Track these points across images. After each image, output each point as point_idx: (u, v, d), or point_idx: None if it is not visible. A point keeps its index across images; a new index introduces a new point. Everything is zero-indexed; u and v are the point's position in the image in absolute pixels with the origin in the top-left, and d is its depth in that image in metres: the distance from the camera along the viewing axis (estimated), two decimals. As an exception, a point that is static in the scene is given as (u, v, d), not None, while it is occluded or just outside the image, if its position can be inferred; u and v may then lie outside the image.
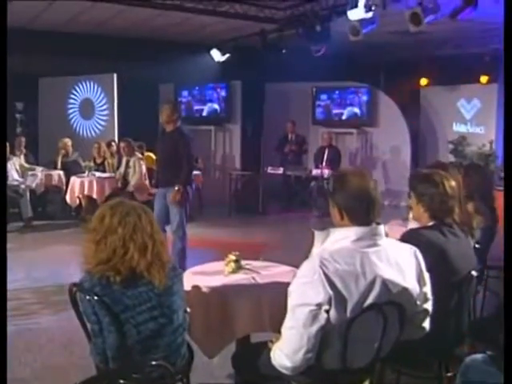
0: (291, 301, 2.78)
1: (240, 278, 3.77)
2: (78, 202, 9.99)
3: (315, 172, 11.60)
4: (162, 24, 11.53)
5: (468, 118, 13.55)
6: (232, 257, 3.86)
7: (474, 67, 12.75)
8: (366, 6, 8.35)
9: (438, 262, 3.21)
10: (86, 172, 10.05)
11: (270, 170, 11.86)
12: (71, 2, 9.71)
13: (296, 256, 5.99)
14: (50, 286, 6.69)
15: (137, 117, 12.11)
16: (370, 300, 2.73)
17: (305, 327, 2.70)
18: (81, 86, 12.36)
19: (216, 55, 11.95)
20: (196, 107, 13.29)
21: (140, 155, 10.14)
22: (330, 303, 2.67)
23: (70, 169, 10.97)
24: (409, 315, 2.90)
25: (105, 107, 12.01)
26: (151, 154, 10.52)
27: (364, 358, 2.92)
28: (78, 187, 9.81)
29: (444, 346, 3.39)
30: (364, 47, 12.69)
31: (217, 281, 3.69)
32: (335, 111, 13.47)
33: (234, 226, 10.53)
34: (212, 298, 3.52)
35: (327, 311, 2.68)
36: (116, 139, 11.56)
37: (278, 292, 3.60)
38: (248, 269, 3.90)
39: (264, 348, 3.17)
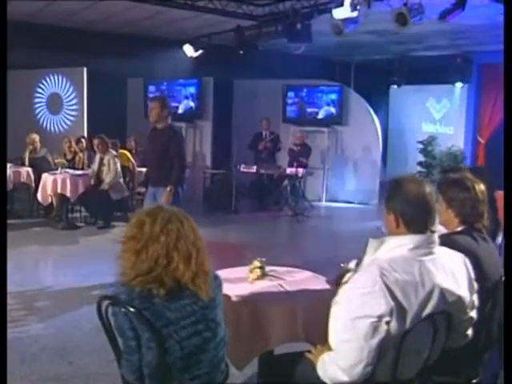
0: (349, 313, 2.65)
1: (267, 285, 3.62)
2: (50, 200, 9.61)
3: (289, 171, 11.50)
4: (133, 17, 11.27)
5: (437, 117, 13.65)
6: (257, 263, 3.70)
7: (445, 68, 12.85)
8: (351, 5, 8.28)
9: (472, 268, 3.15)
10: (59, 169, 9.68)
11: (242, 168, 11.72)
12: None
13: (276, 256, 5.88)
14: (30, 291, 6.37)
15: (105, 112, 11.86)
16: (427, 310, 2.66)
17: (365, 340, 2.58)
18: (48, 80, 11.99)
19: (189, 51, 11.75)
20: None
21: (114, 152, 9.84)
22: (391, 315, 2.58)
23: (38, 165, 10.59)
24: (455, 323, 2.83)
25: (74, 102, 11.66)
26: (126, 152, 10.26)
27: (413, 368, 2.83)
28: (50, 185, 9.43)
29: (476, 353, 3.32)
30: (335, 46, 12.70)
31: (244, 289, 3.52)
32: (306, 109, 13.40)
33: (207, 226, 10.33)
34: (242, 307, 3.36)
35: (387, 323, 2.58)
36: (85, 134, 11.22)
37: (311, 300, 3.49)
38: (272, 275, 3.75)
39: (297, 359, 3.04)
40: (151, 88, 13.07)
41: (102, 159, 9.62)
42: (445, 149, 12.97)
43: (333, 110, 13.19)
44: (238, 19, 10.56)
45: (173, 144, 6.47)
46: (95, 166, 9.60)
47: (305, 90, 13.36)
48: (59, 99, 11.83)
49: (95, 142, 9.65)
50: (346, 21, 8.80)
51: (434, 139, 13.33)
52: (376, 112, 13.32)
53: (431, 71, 12.99)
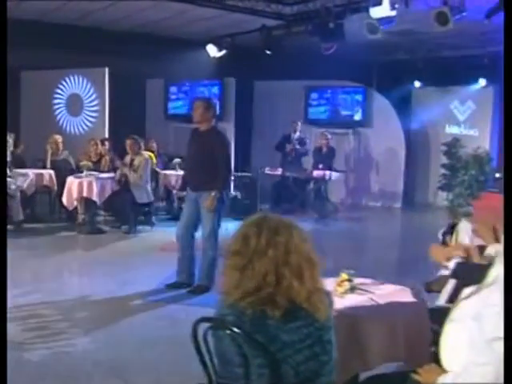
0: (483, 333, 2.37)
1: (360, 299, 3.37)
2: (75, 204, 9.33)
3: (316, 173, 11.26)
4: (155, 17, 11.04)
5: (461, 119, 13.40)
6: (345, 275, 3.44)
7: (471, 69, 12.59)
8: (391, 4, 8.04)
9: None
10: (84, 172, 9.40)
11: (267, 170, 11.47)
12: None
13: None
14: (68, 301, 6.08)
15: (124, 113, 11.63)
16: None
17: (501, 363, 2.32)
18: (68, 81, 11.70)
19: (212, 51, 11.51)
20: (183, 104, 12.76)
21: (146, 155, 9.57)
22: None
23: (61, 168, 10.33)
24: None
25: (95, 103, 11.37)
26: (151, 154, 10.00)
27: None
28: (76, 188, 9.14)
29: None
30: (357, 46, 12.44)
31: (336, 303, 3.25)
32: (329, 111, 13.16)
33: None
34: (338, 323, 3.09)
35: None
36: (107, 136, 10.95)
37: (409, 314, 3.25)
38: (361, 288, 3.49)
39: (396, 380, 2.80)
40: (173, 89, 12.84)
41: (132, 160, 9.33)
42: (471, 151, 12.70)
43: (357, 111, 12.94)
44: (263, 18, 10.34)
45: (218, 147, 6.22)
46: (125, 168, 9.30)
47: (329, 92, 13.13)
48: (79, 100, 11.55)
49: (128, 142, 9.37)
50: (382, 20, 8.57)
51: (458, 141, 13.10)
52: (399, 113, 13.09)
53: (456, 72, 12.74)
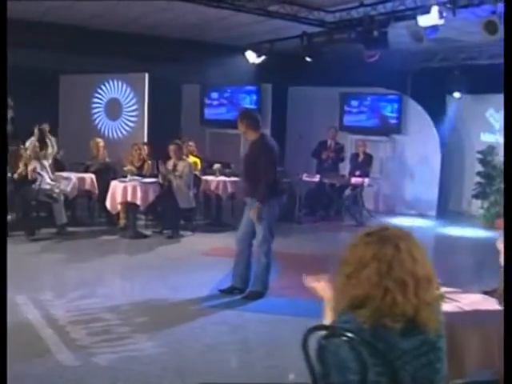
0: None
1: (449, 307, 3.35)
2: (119, 208, 9.38)
3: (354, 180, 11.26)
4: (193, 22, 11.08)
5: (497, 127, 13.33)
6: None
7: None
8: (439, 13, 8.05)
9: None
10: (128, 176, 9.46)
11: (305, 177, 11.49)
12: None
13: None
14: (125, 305, 6.13)
15: (161, 118, 11.70)
16: None
17: None
18: (107, 85, 11.78)
19: (251, 57, 11.56)
20: (224, 110, 12.82)
21: (189, 160, 9.62)
22: None
23: (102, 172, 10.41)
24: None
25: (134, 107, 11.44)
26: (196, 159, 10.05)
27: None
28: (120, 193, 9.20)
29: None
30: (391, 53, 12.45)
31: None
32: (364, 118, 13.15)
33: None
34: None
35: None
36: (146, 140, 11.01)
37: (500, 322, 3.25)
38: (447, 297, 3.48)
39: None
40: (214, 95, 12.91)
41: (175, 165, 9.39)
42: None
43: (392, 118, 12.94)
44: (302, 25, 10.36)
45: (261, 155, 6.27)
46: (168, 173, 9.34)
47: (369, 99, 13.11)
48: (118, 105, 11.63)
49: (171, 147, 9.43)
50: (427, 28, 8.59)
51: (494, 149, 13.03)
52: (434, 121, 13.05)
53: (491, 80, 12.66)
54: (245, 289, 6.49)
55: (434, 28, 8.55)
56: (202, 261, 8.16)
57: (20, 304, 6.02)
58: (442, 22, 8.13)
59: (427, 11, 8.18)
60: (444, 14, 8.13)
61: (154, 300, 6.32)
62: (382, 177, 12.95)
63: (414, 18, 8.71)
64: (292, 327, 5.58)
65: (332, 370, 2.58)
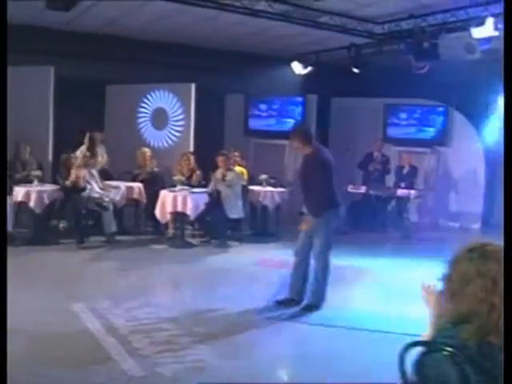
0: None
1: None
2: (168, 217, 9.43)
3: (401, 192, 11.20)
4: (239, 34, 11.12)
5: (545, 140, 13.14)
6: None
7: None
8: (494, 24, 7.98)
9: None
10: (177, 186, 9.50)
11: (350, 188, 11.44)
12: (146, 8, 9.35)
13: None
14: (183, 315, 6.13)
15: (206, 128, 11.74)
16: None
17: None
18: (153, 95, 11.84)
19: (297, 68, 11.56)
20: (270, 121, 12.85)
21: (237, 170, 9.65)
22: None
23: (150, 181, 10.48)
24: None
25: (180, 117, 11.49)
26: (243, 169, 10.07)
27: None
28: (170, 202, 9.25)
29: None
30: (435, 63, 12.36)
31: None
32: (408, 129, 13.05)
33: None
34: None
35: None
36: (191, 150, 11.04)
37: None
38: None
39: None
40: (262, 106, 12.91)
41: (224, 175, 9.43)
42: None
43: (436, 130, 12.83)
44: (349, 36, 10.34)
45: (316, 169, 6.29)
46: (217, 183, 9.38)
47: (416, 110, 13.02)
48: (164, 114, 11.67)
49: (220, 157, 9.49)
50: (480, 40, 8.52)
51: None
52: (479, 133, 12.92)
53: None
54: (301, 300, 6.47)
55: (487, 39, 8.47)
56: (253, 271, 8.17)
57: (77, 312, 6.06)
58: (497, 33, 8.04)
59: (481, 23, 8.10)
60: (499, 26, 8.04)
61: (212, 310, 6.32)
62: (426, 189, 12.82)
63: (465, 29, 8.65)
64: (351, 339, 5.58)
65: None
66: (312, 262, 6.39)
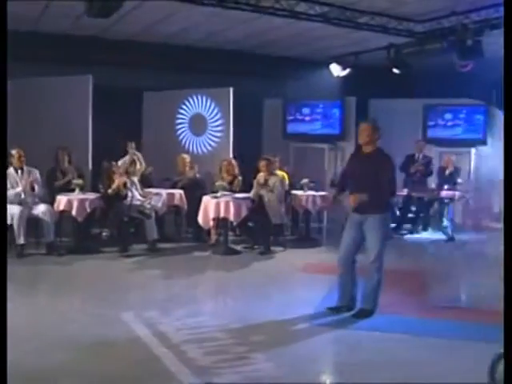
0: None
1: None
2: (211, 223, 9.35)
3: (445, 194, 10.99)
4: (275, 37, 11.03)
5: None
6: None
7: None
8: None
9: None
10: (219, 192, 9.41)
11: (391, 191, 11.23)
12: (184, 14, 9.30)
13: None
14: (234, 323, 5.99)
15: (245, 133, 11.66)
16: None
17: None
18: (191, 101, 11.78)
19: (335, 70, 11.43)
20: (311, 125, 12.73)
21: (280, 175, 9.54)
22: None
23: (188, 187, 10.42)
24: None
25: (219, 123, 11.41)
26: (284, 174, 9.95)
27: None
28: (212, 208, 9.16)
29: None
30: (478, 62, 12.13)
31: None
32: (449, 130, 12.83)
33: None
34: None
35: None
36: (231, 156, 10.95)
37: None
38: None
39: None
40: (305, 110, 12.79)
41: (266, 180, 9.32)
42: None
43: (478, 130, 12.59)
44: (387, 36, 10.19)
45: (383, 169, 6.10)
46: (260, 189, 9.28)
47: (450, 110, 12.79)
48: (203, 120, 11.60)
49: (262, 162, 9.40)
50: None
51: None
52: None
53: None
54: (352, 306, 6.32)
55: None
56: (300, 277, 8.05)
57: (127, 321, 5.98)
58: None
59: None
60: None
61: (264, 318, 6.18)
62: (469, 190, 12.59)
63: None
64: (408, 346, 5.41)
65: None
66: (367, 265, 6.20)
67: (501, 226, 12.44)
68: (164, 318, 6.12)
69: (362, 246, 6.29)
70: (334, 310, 6.32)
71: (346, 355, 5.20)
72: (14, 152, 8.78)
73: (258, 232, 9.45)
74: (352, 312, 6.28)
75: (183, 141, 11.88)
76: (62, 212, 9.17)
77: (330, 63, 11.57)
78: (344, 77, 11.73)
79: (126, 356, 5.05)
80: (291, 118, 12.96)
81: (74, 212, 9.03)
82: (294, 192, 10.28)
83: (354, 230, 6.26)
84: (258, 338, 5.60)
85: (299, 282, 7.82)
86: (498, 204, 12.71)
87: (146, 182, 10.35)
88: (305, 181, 10.40)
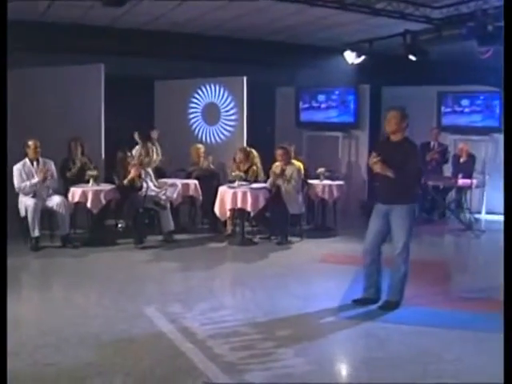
0: None
1: None
2: (228, 214, 9.24)
3: (462, 182, 10.85)
4: (292, 24, 10.85)
5: None
6: None
7: None
8: None
9: None
10: (236, 182, 9.29)
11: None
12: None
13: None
14: (259, 317, 5.88)
15: (257, 121, 11.54)
16: None
17: None
18: (204, 90, 11.64)
19: (350, 57, 11.25)
20: (324, 112, 12.58)
21: (298, 165, 9.41)
22: None
23: (203, 177, 10.31)
24: None
25: (232, 111, 11.26)
26: (300, 164, 9.81)
27: None
28: (229, 199, 9.03)
29: None
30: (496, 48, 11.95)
31: None
32: (465, 117, 12.65)
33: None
34: None
35: None
36: (245, 145, 10.81)
37: None
38: None
39: None
40: (321, 97, 12.62)
41: (283, 170, 9.20)
42: None
43: (493, 116, 12.40)
44: (403, 23, 10.00)
45: (411, 158, 5.96)
46: (277, 178, 9.16)
47: (463, 97, 12.61)
48: (216, 109, 11.45)
49: (279, 151, 9.27)
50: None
51: None
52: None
53: None
54: (378, 298, 6.22)
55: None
56: (320, 268, 7.94)
57: (150, 316, 5.88)
58: None
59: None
60: None
61: (286, 311, 6.08)
62: (484, 178, 12.43)
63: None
64: (437, 339, 5.31)
65: None
66: (394, 257, 6.09)
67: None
68: (187, 312, 6.02)
69: (388, 237, 6.18)
70: (360, 302, 6.21)
71: (375, 350, 5.10)
72: (30, 143, 8.67)
73: (275, 222, 9.34)
74: (378, 304, 6.18)
75: (196, 130, 11.74)
76: (76, 204, 9.07)
77: (344, 50, 11.36)
78: (358, 64, 11.52)
79: (152, 353, 4.95)
80: (306, 105, 12.80)
81: (88, 204, 8.93)
82: (309, 181, 10.14)
83: (380, 220, 6.14)
84: (284, 332, 5.51)
85: (319, 272, 7.70)
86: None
87: (159, 172, 10.23)
88: (321, 170, 10.27)
